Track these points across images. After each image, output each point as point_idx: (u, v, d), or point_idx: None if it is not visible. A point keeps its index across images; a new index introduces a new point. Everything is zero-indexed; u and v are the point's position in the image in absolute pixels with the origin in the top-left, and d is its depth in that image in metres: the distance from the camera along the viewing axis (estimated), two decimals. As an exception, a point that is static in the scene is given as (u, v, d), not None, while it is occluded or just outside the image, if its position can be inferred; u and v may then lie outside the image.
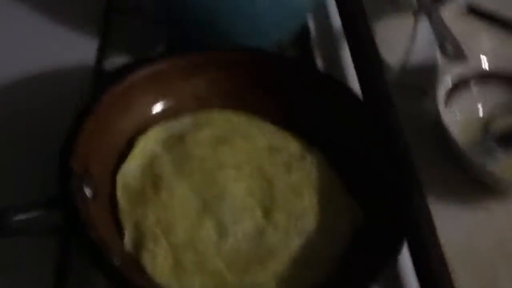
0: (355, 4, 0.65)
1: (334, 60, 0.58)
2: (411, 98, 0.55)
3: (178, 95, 0.46)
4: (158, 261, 0.38)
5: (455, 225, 0.46)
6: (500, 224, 0.47)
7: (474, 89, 0.51)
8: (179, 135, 0.45)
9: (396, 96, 0.55)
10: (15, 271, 0.39)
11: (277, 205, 0.42)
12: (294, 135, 0.47)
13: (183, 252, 0.38)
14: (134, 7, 0.55)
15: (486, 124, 0.51)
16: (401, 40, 0.58)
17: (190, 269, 0.38)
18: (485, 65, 0.52)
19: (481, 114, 0.52)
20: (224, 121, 0.46)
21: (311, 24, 0.61)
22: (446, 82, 0.51)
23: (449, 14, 0.58)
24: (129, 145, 0.43)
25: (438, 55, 0.53)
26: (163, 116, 0.45)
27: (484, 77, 0.52)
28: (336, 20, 0.61)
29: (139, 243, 0.38)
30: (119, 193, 0.41)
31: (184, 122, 0.46)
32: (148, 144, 0.44)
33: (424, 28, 0.56)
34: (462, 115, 0.51)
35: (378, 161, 0.44)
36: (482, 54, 0.53)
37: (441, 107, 0.49)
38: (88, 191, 0.39)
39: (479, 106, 0.52)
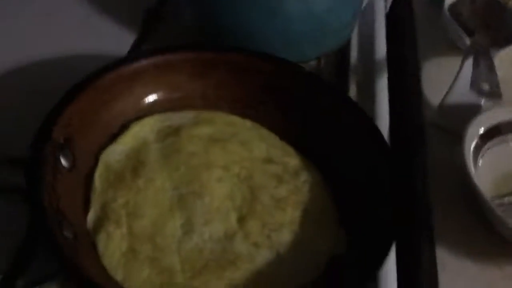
0: (407, 35, 0.63)
1: (368, 87, 0.54)
2: (443, 140, 0.50)
3: (184, 91, 0.45)
4: (111, 244, 0.36)
5: (462, 281, 0.40)
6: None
7: (510, 139, 0.46)
8: (176, 127, 0.43)
9: (428, 135, 0.51)
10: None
11: (254, 214, 0.39)
12: (298, 152, 0.44)
13: (141, 242, 0.36)
14: (173, 11, 0.56)
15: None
16: (447, 79, 0.54)
17: (142, 261, 0.36)
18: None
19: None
20: (226, 123, 0.45)
21: (353, 48, 0.58)
22: (478, 128, 0.45)
23: (505, 58, 0.54)
24: (123, 128, 0.43)
25: (478, 99, 0.48)
26: (165, 107, 0.44)
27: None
28: (380, 47, 0.58)
29: (100, 224, 0.37)
30: (98, 172, 0.40)
31: (186, 116, 0.44)
32: (142, 131, 0.43)
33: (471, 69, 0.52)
34: (492, 167, 0.45)
35: (382, 196, 0.40)
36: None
37: (469, 155, 0.44)
38: (64, 161, 0.38)
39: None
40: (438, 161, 0.49)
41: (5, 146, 0.38)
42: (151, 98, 0.44)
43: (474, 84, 0.46)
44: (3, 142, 0.39)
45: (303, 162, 0.43)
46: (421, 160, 0.50)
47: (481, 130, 0.45)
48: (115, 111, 0.43)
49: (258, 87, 0.46)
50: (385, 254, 0.35)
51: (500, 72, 0.50)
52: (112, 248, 0.36)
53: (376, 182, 0.41)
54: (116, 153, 0.41)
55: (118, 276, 0.35)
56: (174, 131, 0.43)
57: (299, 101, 0.45)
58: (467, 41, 0.54)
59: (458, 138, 0.46)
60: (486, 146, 0.46)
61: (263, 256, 0.37)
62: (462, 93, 0.50)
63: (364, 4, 0.63)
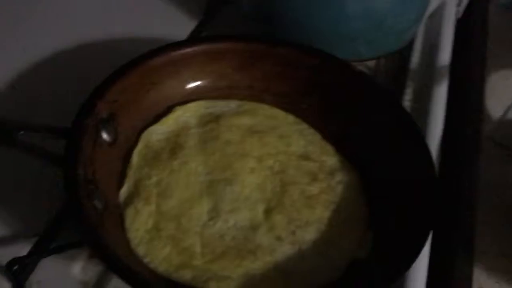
0: (476, 44, 0.59)
1: (425, 95, 0.52)
2: (499, 157, 0.48)
3: (231, 80, 0.45)
4: (138, 219, 0.37)
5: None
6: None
7: None
8: (218, 115, 0.44)
9: (484, 149, 0.49)
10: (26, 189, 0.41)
11: (282, 208, 0.39)
12: (337, 152, 0.43)
13: (167, 221, 0.37)
14: (235, 1, 0.56)
15: None
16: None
17: (164, 239, 0.36)
18: None
19: None
20: (268, 116, 0.44)
21: (415, 53, 0.56)
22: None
23: None
24: (167, 111, 0.44)
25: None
26: (210, 95, 0.45)
27: None
28: (444, 54, 0.55)
29: (130, 199, 0.38)
30: (137, 149, 0.41)
31: (229, 105, 0.45)
32: (184, 115, 0.44)
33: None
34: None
35: (420, 205, 0.38)
36: None
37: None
38: (106, 135, 0.40)
39: None
40: (490, 178, 0.46)
41: (56, 117, 0.40)
42: (197, 84, 0.45)
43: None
44: (54, 113, 0.42)
45: (341, 163, 0.42)
46: (472, 175, 0.48)
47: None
48: (161, 93, 0.44)
49: (305, 82, 0.45)
50: (410, 262, 0.34)
51: None
52: (138, 223, 0.37)
53: (415, 189, 0.39)
54: (157, 133, 0.42)
55: (140, 251, 0.36)
56: (215, 119, 0.43)
57: (344, 99, 0.44)
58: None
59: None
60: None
61: (284, 251, 0.37)
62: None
63: (433, 8, 0.61)
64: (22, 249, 0.38)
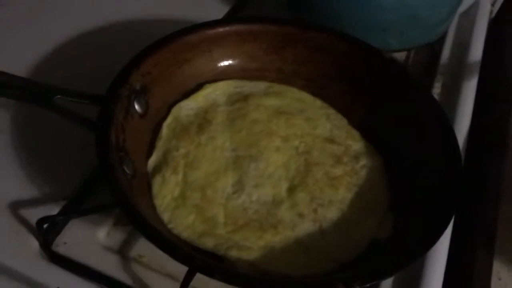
0: (509, 43, 0.59)
1: (453, 89, 0.52)
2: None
3: (261, 62, 0.46)
4: (165, 187, 0.38)
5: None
6: None
7: None
8: (246, 95, 0.45)
9: (510, 146, 0.48)
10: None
11: (305, 187, 0.39)
12: (363, 137, 0.43)
13: (193, 190, 0.38)
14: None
15: None
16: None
17: (189, 207, 0.37)
18: None
19: None
20: (296, 99, 0.45)
21: (446, 48, 0.56)
22: None
23: None
24: (198, 87, 0.45)
25: None
26: (240, 75, 0.46)
27: None
28: (476, 51, 0.55)
29: (158, 168, 0.39)
30: (167, 122, 0.42)
31: (258, 86, 0.46)
32: (214, 93, 0.44)
33: None
34: None
35: (443, 192, 0.38)
36: None
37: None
38: (137, 106, 0.41)
39: None
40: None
41: (92, 86, 0.41)
42: (228, 64, 0.46)
43: None
44: (89, 82, 0.43)
45: (366, 148, 0.43)
46: (497, 169, 0.48)
47: None
48: (193, 70, 0.45)
49: (334, 67, 0.45)
50: (431, 243, 0.34)
51: None
52: (165, 191, 0.38)
53: (440, 175, 0.39)
54: (187, 108, 0.43)
55: (165, 217, 0.37)
56: (244, 98, 0.44)
57: (373, 86, 0.44)
58: None
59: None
60: None
61: (305, 227, 0.37)
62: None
63: (467, 6, 0.61)
64: (51, 211, 0.39)
